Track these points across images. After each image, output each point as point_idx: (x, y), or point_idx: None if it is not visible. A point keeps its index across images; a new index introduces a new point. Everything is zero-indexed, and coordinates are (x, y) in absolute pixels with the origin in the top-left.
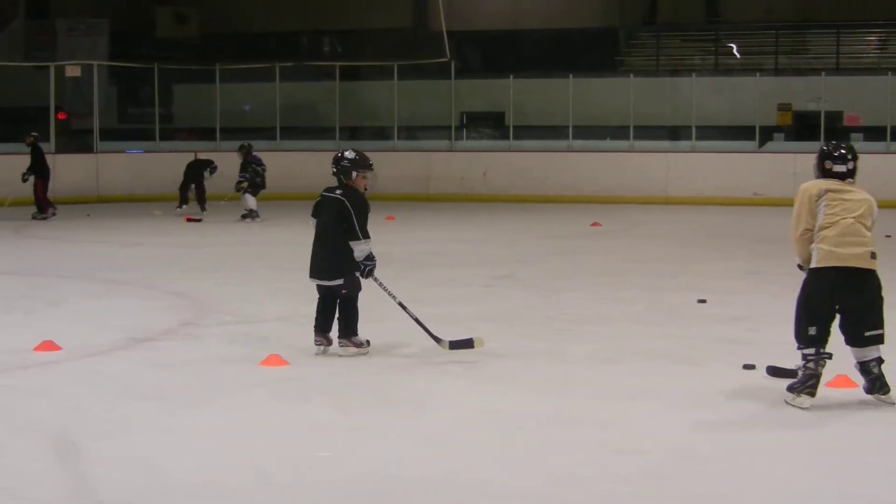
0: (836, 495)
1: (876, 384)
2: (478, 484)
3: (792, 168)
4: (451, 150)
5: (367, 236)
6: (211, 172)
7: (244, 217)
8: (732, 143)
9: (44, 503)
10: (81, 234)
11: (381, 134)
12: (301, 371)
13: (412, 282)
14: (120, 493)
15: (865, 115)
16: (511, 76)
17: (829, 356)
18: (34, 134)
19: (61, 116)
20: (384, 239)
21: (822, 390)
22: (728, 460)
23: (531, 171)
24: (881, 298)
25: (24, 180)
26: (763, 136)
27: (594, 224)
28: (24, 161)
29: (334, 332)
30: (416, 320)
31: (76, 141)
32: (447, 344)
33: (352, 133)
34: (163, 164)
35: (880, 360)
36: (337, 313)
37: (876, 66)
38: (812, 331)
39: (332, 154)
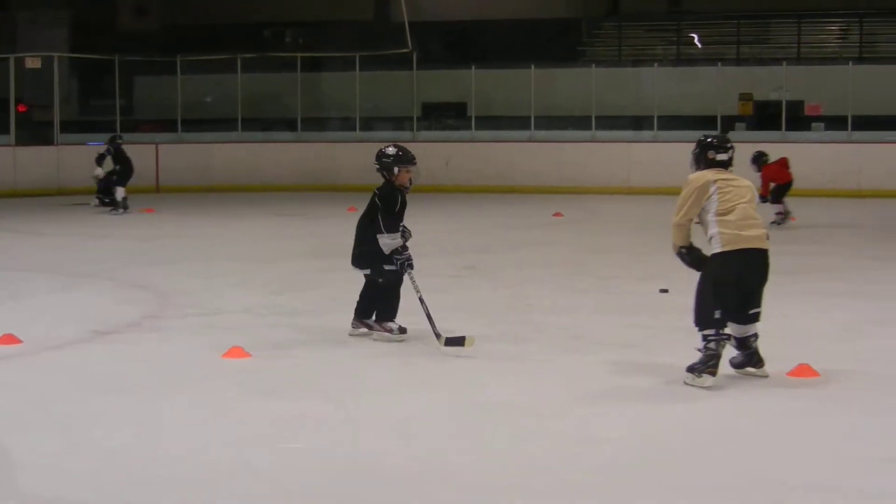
0: (801, 484)
1: (753, 358)
2: (448, 476)
3: None
4: (413, 141)
5: (390, 230)
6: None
7: (111, 209)
8: (694, 132)
9: (3, 496)
10: (43, 226)
11: (344, 125)
12: (264, 363)
13: None
14: (83, 486)
15: (826, 104)
16: (473, 67)
17: (728, 337)
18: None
19: (21, 108)
20: (345, 230)
21: (783, 379)
22: (695, 449)
23: (493, 162)
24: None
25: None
26: (725, 125)
27: (556, 214)
28: None
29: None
30: (428, 315)
31: (37, 133)
32: (444, 340)
33: (314, 124)
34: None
35: (756, 336)
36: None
37: (837, 55)
38: (717, 314)
39: (291, 146)
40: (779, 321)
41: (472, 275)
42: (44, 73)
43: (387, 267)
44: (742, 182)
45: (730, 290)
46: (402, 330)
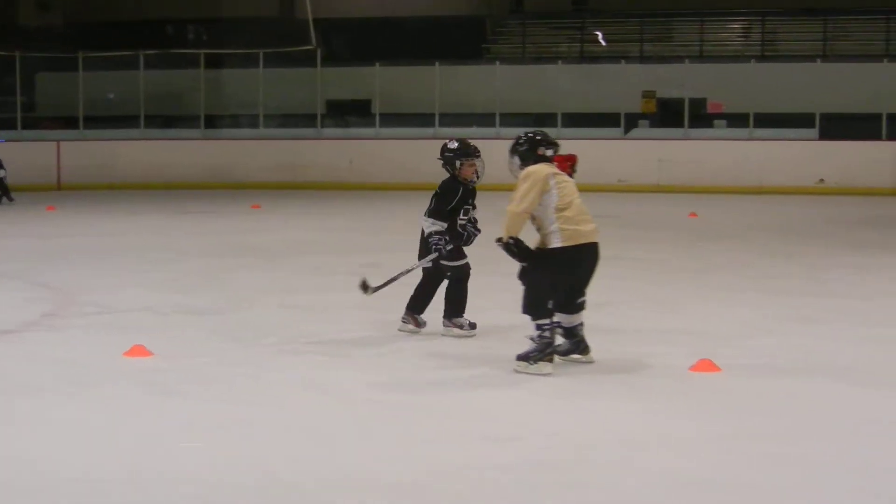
0: (724, 482)
1: (580, 346)
2: (357, 477)
3: (657, 155)
4: (317, 139)
5: (434, 216)
6: None
7: None
8: (598, 130)
9: None
10: None
11: (248, 122)
12: (165, 362)
13: (278, 270)
14: None
15: (728, 102)
16: (378, 64)
17: (558, 324)
18: None
19: None
20: (248, 227)
21: (685, 374)
22: (606, 447)
23: (397, 159)
24: None
25: None
26: (628, 123)
27: None
28: None
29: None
30: (393, 279)
31: None
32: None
33: (218, 121)
34: (26, 154)
35: (582, 324)
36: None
37: (739, 53)
38: (551, 304)
39: (195, 143)
40: (682, 317)
41: (374, 272)
42: None
43: (451, 263)
44: (568, 178)
45: (566, 283)
46: (472, 325)
